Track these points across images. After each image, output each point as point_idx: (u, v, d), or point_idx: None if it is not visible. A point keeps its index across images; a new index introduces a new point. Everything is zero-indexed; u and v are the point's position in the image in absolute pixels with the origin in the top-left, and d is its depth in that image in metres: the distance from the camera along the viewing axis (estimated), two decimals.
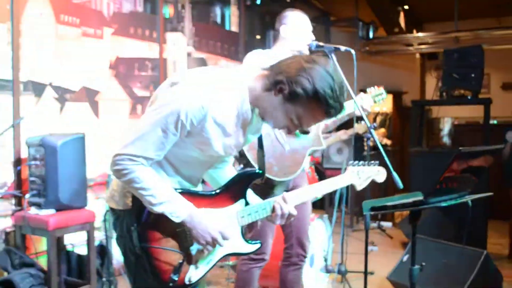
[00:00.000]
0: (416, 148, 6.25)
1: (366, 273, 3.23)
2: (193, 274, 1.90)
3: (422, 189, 2.47)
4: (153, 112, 1.74)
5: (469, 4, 8.55)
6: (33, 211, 3.60)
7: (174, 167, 1.88)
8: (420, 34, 9.32)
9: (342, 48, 3.13)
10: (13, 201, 3.83)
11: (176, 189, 1.83)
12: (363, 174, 2.11)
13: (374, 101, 3.49)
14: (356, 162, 2.13)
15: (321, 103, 1.72)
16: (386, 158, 2.50)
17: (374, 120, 11.03)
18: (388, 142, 8.42)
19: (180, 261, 1.87)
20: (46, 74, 4.10)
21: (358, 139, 6.83)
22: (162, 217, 1.79)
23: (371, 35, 9.44)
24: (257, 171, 2.00)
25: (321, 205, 7.19)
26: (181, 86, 1.74)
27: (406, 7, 9.29)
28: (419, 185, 4.65)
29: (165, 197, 1.75)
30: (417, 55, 10.13)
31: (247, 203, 1.98)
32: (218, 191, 1.96)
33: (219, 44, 6.39)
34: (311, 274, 4.11)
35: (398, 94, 10.43)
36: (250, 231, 4.05)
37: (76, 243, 4.16)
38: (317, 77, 1.70)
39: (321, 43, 2.95)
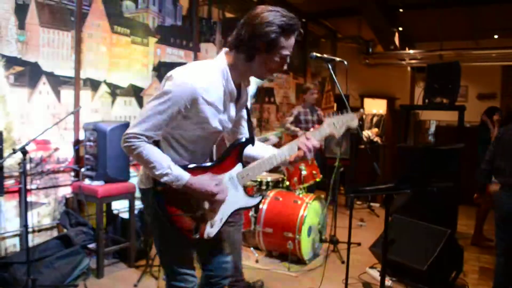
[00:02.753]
0: (403, 144, 6.16)
1: (349, 243, 3.21)
2: (209, 230, 1.89)
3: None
4: (154, 99, 1.73)
5: (452, 28, 8.40)
6: (86, 182, 3.67)
7: (183, 146, 1.87)
8: (411, 51, 9.17)
9: (337, 59, 3.08)
10: (72, 173, 3.91)
11: (182, 165, 1.81)
12: (338, 123, 1.99)
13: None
14: (332, 114, 2.01)
15: (288, 31, 1.72)
16: (368, 151, 2.47)
17: (371, 120, 10.92)
18: (378, 139, 8.31)
19: (197, 223, 1.86)
20: (101, 73, 4.16)
21: (355, 135, 6.75)
22: (174, 188, 1.79)
23: (370, 50, 9.33)
24: (248, 138, 1.97)
25: (324, 187, 7.16)
26: (173, 77, 1.72)
27: (400, 28, 9.14)
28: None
29: (165, 169, 1.74)
30: (408, 68, 9.95)
31: (243, 166, 1.95)
32: (218, 160, 1.93)
33: None
34: (308, 242, 4.11)
35: (391, 100, 10.26)
36: (257, 190, 4.00)
37: (121, 209, 4.24)
38: (271, 19, 1.69)
39: (319, 54, 2.91)
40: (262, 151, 2.06)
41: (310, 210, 4.07)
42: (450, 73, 5.60)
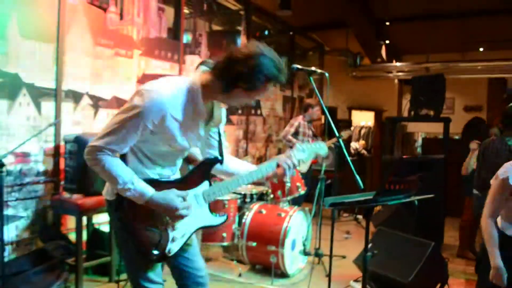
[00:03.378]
0: (388, 156, 6.19)
1: (331, 255, 3.19)
2: (171, 247, 1.87)
3: None
4: (120, 113, 1.71)
5: (438, 41, 8.51)
6: (66, 195, 3.62)
7: (151, 160, 1.86)
8: (398, 64, 9.27)
9: (318, 70, 3.09)
10: (52, 186, 3.85)
11: (145, 179, 1.79)
12: (308, 150, 2.08)
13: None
14: (303, 142, 2.14)
15: (273, 83, 1.76)
16: (351, 164, 2.46)
17: (359, 132, 10.97)
18: (365, 152, 8.35)
19: (159, 237, 1.84)
20: (84, 85, 4.13)
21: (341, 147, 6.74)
22: (136, 203, 1.78)
23: (358, 63, 9.41)
24: (216, 157, 1.98)
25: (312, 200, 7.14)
26: (143, 92, 1.70)
27: (387, 41, 9.25)
28: None
29: (127, 184, 1.72)
30: (396, 81, 10.03)
31: (210, 184, 1.95)
32: (185, 176, 1.93)
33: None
34: (291, 256, 4.07)
35: (379, 112, 10.33)
36: (219, 209, 4.01)
37: (102, 222, 4.17)
38: (263, 68, 1.69)
39: (300, 66, 2.91)
40: (241, 168, 2.05)
41: (293, 223, 4.04)
42: (435, 85, 5.67)
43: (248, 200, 4.48)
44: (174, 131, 1.76)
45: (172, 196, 1.80)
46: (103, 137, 1.70)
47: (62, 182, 3.66)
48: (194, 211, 1.89)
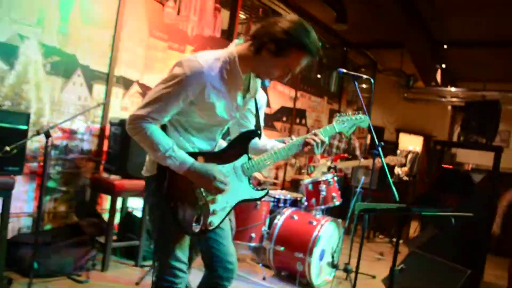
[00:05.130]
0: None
1: (357, 271, 3.07)
2: (212, 219, 1.86)
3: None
4: (162, 83, 1.73)
5: (498, 69, 8.13)
6: (105, 175, 3.72)
7: (190, 133, 1.86)
8: (453, 89, 8.91)
9: (364, 76, 3.04)
10: (93, 165, 3.98)
11: (188, 151, 1.80)
12: (348, 122, 2.04)
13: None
14: (342, 113, 2.08)
15: (303, 50, 1.72)
16: (389, 176, 2.38)
17: (406, 157, 10.65)
18: (406, 178, 8.12)
19: (199, 211, 1.83)
20: (135, 74, 4.26)
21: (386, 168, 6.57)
22: (177, 176, 1.77)
23: (411, 84, 9.17)
24: (255, 130, 1.97)
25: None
26: (183, 63, 1.72)
27: (443, 65, 8.94)
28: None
29: (168, 151, 1.72)
30: (449, 107, 9.67)
31: (249, 158, 1.93)
32: (223, 149, 1.92)
33: None
34: (319, 266, 3.96)
35: (428, 138, 9.98)
36: (251, 208, 3.98)
37: (136, 207, 4.25)
38: (293, 31, 1.69)
39: (345, 70, 2.86)
40: (269, 144, 2.05)
41: (324, 232, 3.94)
42: (489, 112, 5.39)
43: (281, 204, 4.42)
44: (213, 101, 1.76)
45: (211, 167, 1.79)
46: (145, 106, 1.73)
47: (103, 163, 3.76)
48: (233, 184, 1.88)
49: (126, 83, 4.19)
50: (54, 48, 3.54)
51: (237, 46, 1.83)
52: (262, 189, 2.02)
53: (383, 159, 2.61)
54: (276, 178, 6.79)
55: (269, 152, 1.96)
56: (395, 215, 2.27)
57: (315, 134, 1.95)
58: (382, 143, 2.81)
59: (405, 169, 8.53)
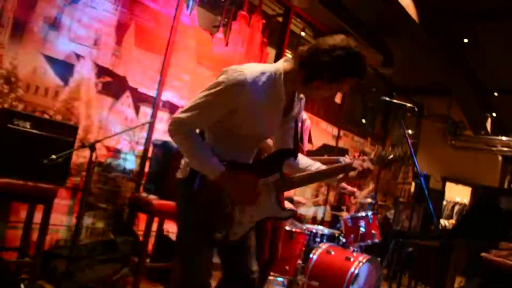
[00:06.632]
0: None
1: None
2: (237, 229, 1.83)
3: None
4: (205, 90, 1.75)
5: None
6: (144, 194, 3.74)
7: (227, 142, 1.85)
8: (504, 138, 8.52)
9: (408, 104, 2.97)
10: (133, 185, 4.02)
11: (223, 161, 1.78)
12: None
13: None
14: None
15: (355, 76, 1.75)
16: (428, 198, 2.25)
17: (452, 208, 10.16)
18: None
19: (225, 218, 1.81)
20: (181, 99, 4.36)
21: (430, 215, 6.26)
22: (208, 181, 1.77)
23: (459, 132, 8.87)
24: (290, 148, 1.95)
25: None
26: (228, 71, 1.73)
27: (494, 114, 8.63)
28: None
29: (204, 158, 1.74)
30: (499, 157, 9.23)
31: (282, 175, 1.90)
32: (257, 163, 1.91)
33: (319, 107, 6.39)
34: None
35: (476, 189, 9.49)
36: (286, 238, 3.83)
37: (171, 230, 4.22)
38: (347, 60, 1.69)
39: (388, 98, 2.80)
40: (313, 166, 1.99)
41: (362, 271, 3.73)
42: None
43: (317, 239, 4.26)
44: (252, 113, 1.76)
45: (243, 178, 1.80)
46: (187, 111, 1.75)
47: (143, 183, 3.80)
48: (262, 199, 1.86)
49: (172, 108, 4.29)
50: (107, 69, 3.70)
51: (285, 63, 1.83)
52: (289, 210, 2.00)
53: (425, 189, 2.48)
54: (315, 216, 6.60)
55: (305, 173, 1.93)
56: (436, 241, 2.11)
57: (364, 160, 1.90)
58: (425, 173, 2.68)
59: (452, 221, 8.15)
